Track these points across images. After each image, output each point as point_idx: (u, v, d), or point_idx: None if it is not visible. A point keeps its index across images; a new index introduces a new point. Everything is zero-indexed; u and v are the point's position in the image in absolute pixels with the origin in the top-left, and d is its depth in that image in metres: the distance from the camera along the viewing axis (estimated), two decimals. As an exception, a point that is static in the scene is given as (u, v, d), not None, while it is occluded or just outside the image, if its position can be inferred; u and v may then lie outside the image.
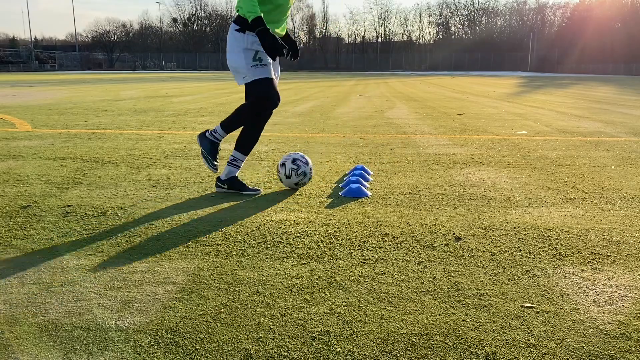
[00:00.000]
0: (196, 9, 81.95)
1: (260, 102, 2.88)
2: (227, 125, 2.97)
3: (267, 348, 1.41)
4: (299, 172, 3.06)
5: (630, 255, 2.10)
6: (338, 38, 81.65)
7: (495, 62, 68.79)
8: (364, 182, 3.22)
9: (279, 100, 2.91)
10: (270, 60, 2.87)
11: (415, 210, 2.73)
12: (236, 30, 2.83)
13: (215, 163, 3.01)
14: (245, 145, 3.04)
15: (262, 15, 2.68)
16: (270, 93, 2.85)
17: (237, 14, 2.85)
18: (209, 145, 2.99)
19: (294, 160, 3.07)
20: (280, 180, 3.14)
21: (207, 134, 3.00)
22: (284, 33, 3.00)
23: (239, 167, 3.06)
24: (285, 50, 2.77)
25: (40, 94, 13.50)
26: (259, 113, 2.95)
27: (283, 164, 3.08)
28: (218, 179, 3.11)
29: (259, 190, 3.10)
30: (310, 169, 3.13)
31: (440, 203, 2.87)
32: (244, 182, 3.15)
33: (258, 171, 3.71)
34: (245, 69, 2.81)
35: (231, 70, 2.91)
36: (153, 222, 2.48)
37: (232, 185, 3.06)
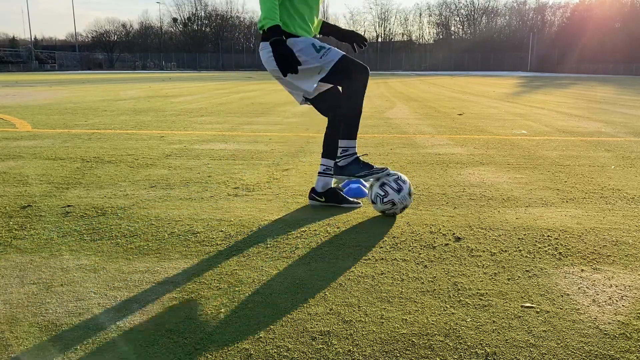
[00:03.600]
0: (196, 9, 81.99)
1: (357, 77, 2.50)
2: (349, 130, 2.60)
3: (267, 348, 1.41)
4: (385, 201, 2.55)
5: (630, 255, 2.10)
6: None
7: (495, 62, 68.77)
8: (364, 182, 3.21)
9: (367, 68, 2.53)
10: (327, 44, 2.52)
11: (415, 210, 2.73)
12: None
13: (380, 167, 2.64)
14: (353, 128, 2.61)
15: (279, 24, 2.37)
16: (357, 64, 2.51)
17: (261, 30, 2.48)
18: (356, 165, 2.61)
19: (382, 185, 2.57)
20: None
21: (340, 162, 2.63)
22: (318, 30, 2.75)
23: (354, 153, 2.63)
24: (299, 67, 2.39)
25: (40, 94, 13.50)
26: (361, 86, 2.52)
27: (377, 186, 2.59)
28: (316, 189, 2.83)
29: (359, 203, 2.82)
30: (404, 197, 2.56)
31: (440, 203, 2.87)
32: (253, 183, 3.18)
33: (258, 171, 3.71)
34: (318, 62, 2.47)
35: (290, 84, 2.60)
36: (153, 222, 2.48)
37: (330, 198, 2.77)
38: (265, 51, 2.53)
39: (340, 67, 2.48)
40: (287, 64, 2.35)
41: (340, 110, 2.62)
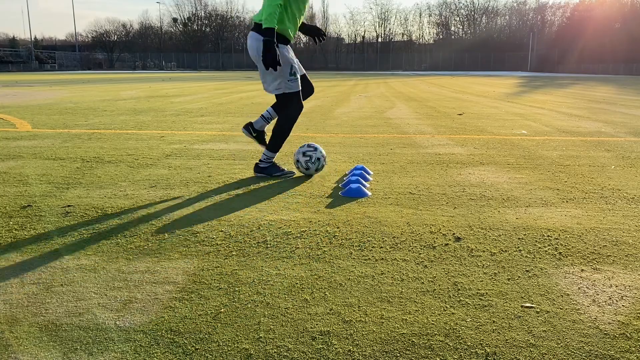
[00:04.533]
0: (196, 9, 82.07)
1: (293, 113, 3.34)
2: (274, 145, 3.40)
3: (267, 348, 1.41)
4: (312, 161, 3.41)
5: (630, 255, 2.10)
6: (338, 38, 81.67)
7: (496, 62, 68.82)
8: (364, 182, 3.21)
9: (302, 107, 3.39)
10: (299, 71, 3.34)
11: (415, 210, 2.73)
12: None
13: (289, 170, 3.49)
14: (277, 145, 3.42)
15: (275, 28, 3.02)
16: (299, 105, 3.34)
17: (256, 23, 3.16)
18: (273, 168, 3.46)
19: (304, 154, 3.42)
20: (304, 173, 3.49)
21: (261, 164, 3.45)
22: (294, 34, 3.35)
23: (270, 162, 3.47)
24: (276, 67, 3.06)
25: (40, 94, 13.50)
26: (292, 120, 3.37)
27: (297, 160, 3.43)
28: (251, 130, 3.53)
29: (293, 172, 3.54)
30: (321, 153, 3.45)
31: (440, 203, 2.87)
32: (243, 181, 3.25)
33: (258, 171, 3.71)
34: (283, 82, 3.23)
35: (263, 75, 3.27)
36: (153, 222, 2.48)
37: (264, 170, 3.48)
38: (252, 39, 3.20)
39: (291, 97, 3.29)
40: (270, 62, 3.00)
41: (274, 128, 3.39)
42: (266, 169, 3.46)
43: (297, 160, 3.42)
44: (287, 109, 3.33)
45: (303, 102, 3.40)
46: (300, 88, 3.33)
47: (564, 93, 15.45)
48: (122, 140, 5.22)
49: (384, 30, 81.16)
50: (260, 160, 3.49)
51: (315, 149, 3.43)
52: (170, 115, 7.82)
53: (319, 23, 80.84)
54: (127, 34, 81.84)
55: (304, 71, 3.45)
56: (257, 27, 3.15)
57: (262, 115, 3.51)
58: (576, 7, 68.74)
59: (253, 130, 3.51)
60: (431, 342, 1.44)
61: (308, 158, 3.39)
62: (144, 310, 1.62)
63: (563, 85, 22.25)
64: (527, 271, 1.93)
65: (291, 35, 3.25)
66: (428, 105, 10.29)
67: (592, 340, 1.45)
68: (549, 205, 2.84)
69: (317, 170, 3.46)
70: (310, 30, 3.48)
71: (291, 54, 3.29)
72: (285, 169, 3.51)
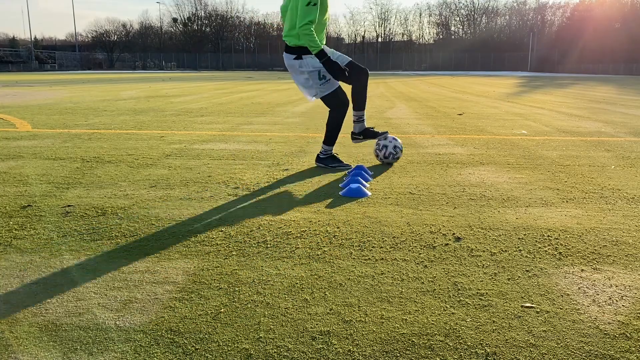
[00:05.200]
0: (196, 9, 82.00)
1: (339, 109, 3.73)
2: (329, 139, 3.81)
3: (267, 348, 1.41)
4: (396, 156, 3.96)
5: (630, 255, 2.10)
6: (338, 38, 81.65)
7: (496, 62, 68.80)
8: (364, 182, 3.22)
9: (349, 101, 3.78)
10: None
11: (415, 210, 2.73)
12: (294, 59, 3.58)
13: (346, 164, 3.85)
14: (332, 138, 3.82)
15: (323, 47, 3.43)
16: (342, 100, 3.71)
17: (286, 43, 3.58)
18: (331, 160, 3.84)
19: (394, 147, 3.96)
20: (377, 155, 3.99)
21: (321, 155, 3.87)
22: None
23: (330, 151, 3.88)
24: (347, 72, 3.51)
25: (40, 94, 13.50)
26: (341, 116, 3.75)
27: (385, 146, 3.95)
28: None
29: (349, 165, 3.85)
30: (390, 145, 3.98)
31: (440, 203, 2.87)
32: (248, 180, 3.23)
33: (258, 171, 3.71)
34: (316, 87, 3.64)
35: (299, 88, 3.77)
36: (153, 222, 2.48)
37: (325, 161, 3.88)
38: (285, 58, 3.66)
39: (331, 97, 3.69)
40: (339, 75, 3.52)
41: (327, 125, 3.80)
42: (325, 160, 3.85)
43: (386, 146, 3.94)
44: (333, 107, 3.73)
45: (364, 86, 3.78)
46: (336, 86, 3.67)
47: (564, 93, 15.45)
48: (122, 140, 5.22)
49: (384, 30, 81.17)
50: (320, 152, 3.90)
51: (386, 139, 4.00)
52: (170, 115, 7.82)
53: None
54: (127, 34, 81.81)
55: (349, 58, 3.73)
56: (287, 48, 3.60)
57: (353, 121, 3.99)
58: (576, 7, 68.72)
59: (359, 134, 4.00)
60: (431, 342, 1.44)
61: (394, 152, 3.96)
62: (144, 310, 1.62)
63: (563, 85, 22.25)
64: (527, 271, 1.93)
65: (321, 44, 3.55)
66: (428, 105, 10.29)
67: (592, 340, 1.45)
68: (549, 205, 2.84)
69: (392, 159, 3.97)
70: None
71: (318, 66, 3.58)
72: (343, 162, 3.87)
